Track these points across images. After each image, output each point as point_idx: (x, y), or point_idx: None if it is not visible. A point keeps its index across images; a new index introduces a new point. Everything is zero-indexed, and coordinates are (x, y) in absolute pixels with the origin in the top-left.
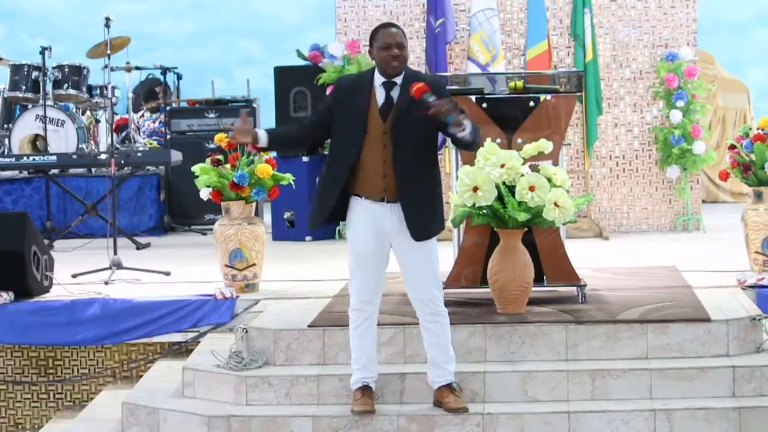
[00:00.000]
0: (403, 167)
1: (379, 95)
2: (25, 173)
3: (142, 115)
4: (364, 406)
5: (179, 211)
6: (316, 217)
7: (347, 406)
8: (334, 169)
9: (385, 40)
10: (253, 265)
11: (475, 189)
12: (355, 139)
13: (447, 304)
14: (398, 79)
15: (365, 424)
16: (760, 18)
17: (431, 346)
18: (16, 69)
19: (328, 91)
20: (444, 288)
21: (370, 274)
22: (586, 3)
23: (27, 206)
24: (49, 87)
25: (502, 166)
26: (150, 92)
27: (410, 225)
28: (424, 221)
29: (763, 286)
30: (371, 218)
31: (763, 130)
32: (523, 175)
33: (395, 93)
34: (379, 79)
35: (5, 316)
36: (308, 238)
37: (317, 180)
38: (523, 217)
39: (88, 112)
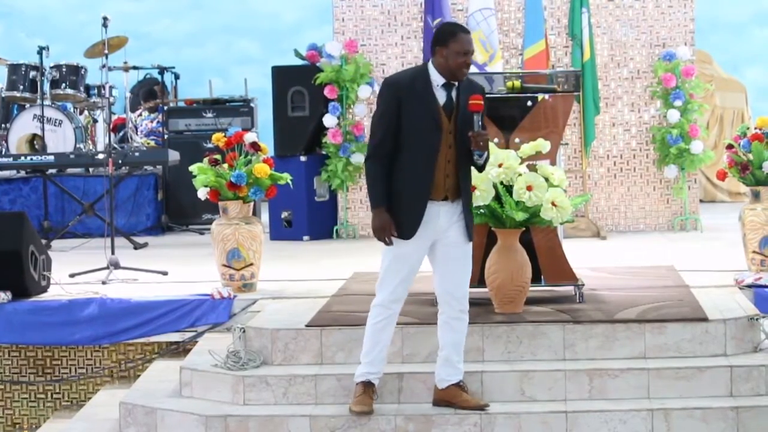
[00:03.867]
0: (462, 167)
1: (440, 95)
2: (22, 173)
3: (140, 115)
4: (362, 406)
5: (177, 210)
6: (409, 226)
7: (345, 405)
8: (416, 171)
9: (465, 47)
10: (251, 264)
11: (473, 189)
12: (433, 139)
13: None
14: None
15: (362, 424)
16: (757, 17)
17: (449, 344)
18: (13, 69)
19: (326, 91)
20: None
21: (408, 273)
22: (583, 2)
23: (24, 206)
24: (46, 87)
25: (500, 165)
26: (150, 92)
27: (466, 223)
28: (472, 221)
29: (760, 286)
30: (426, 217)
31: (760, 129)
32: (520, 175)
33: (455, 94)
34: (438, 79)
35: (2, 315)
36: (305, 237)
37: (376, 178)
38: (520, 216)
39: (85, 112)
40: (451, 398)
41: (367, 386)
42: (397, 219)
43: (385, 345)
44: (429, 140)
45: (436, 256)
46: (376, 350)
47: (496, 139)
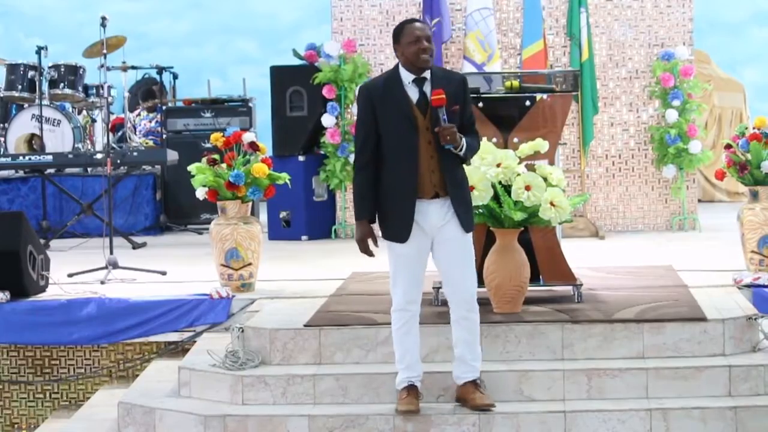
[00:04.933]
0: (447, 161)
1: (412, 92)
2: (21, 173)
3: (138, 115)
4: (409, 405)
5: (175, 210)
6: (402, 228)
7: (343, 405)
8: (401, 172)
9: (414, 34)
10: (249, 264)
11: (471, 188)
12: (410, 138)
13: (443, 303)
14: (426, 74)
15: (361, 424)
16: (755, 17)
17: (461, 342)
18: (12, 68)
19: (324, 91)
20: (440, 287)
21: (415, 274)
22: (582, 2)
23: (23, 206)
24: (45, 86)
25: (498, 165)
26: (148, 91)
27: (460, 217)
28: (468, 212)
29: (759, 286)
30: (418, 217)
31: (759, 129)
32: (519, 175)
33: (427, 88)
34: (408, 76)
35: (1, 315)
36: (304, 237)
37: (359, 188)
38: (519, 216)
39: (84, 112)
40: (464, 396)
41: (411, 389)
42: (390, 222)
43: (415, 348)
44: (407, 140)
45: (436, 256)
46: (408, 355)
47: (494, 139)
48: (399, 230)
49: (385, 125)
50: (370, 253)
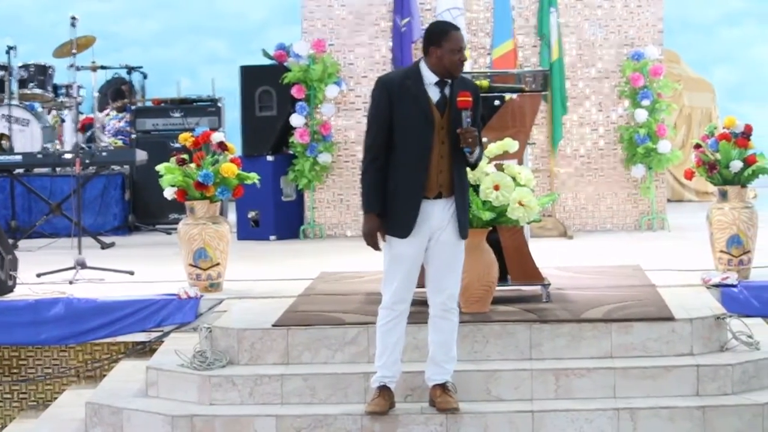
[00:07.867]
0: (456, 163)
1: (433, 92)
2: None
3: (108, 114)
4: (375, 407)
5: (144, 210)
6: (404, 224)
7: (311, 405)
8: (410, 168)
9: (459, 44)
10: (218, 264)
11: None
12: (425, 135)
13: (411, 302)
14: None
15: (329, 424)
16: (725, 17)
17: (435, 343)
18: None
19: (293, 91)
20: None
21: (409, 274)
22: (552, 2)
23: None
24: (14, 86)
25: None
26: (118, 91)
27: (460, 222)
28: (467, 218)
29: (727, 285)
30: (421, 215)
31: (728, 129)
32: (487, 174)
33: (448, 90)
34: (431, 77)
35: None
36: (272, 237)
37: (369, 181)
38: (487, 216)
39: (53, 112)
40: (431, 397)
41: (383, 390)
42: (393, 218)
43: (396, 347)
44: (421, 137)
45: (428, 255)
46: (387, 353)
47: None
48: (401, 227)
49: (401, 120)
50: (377, 247)
